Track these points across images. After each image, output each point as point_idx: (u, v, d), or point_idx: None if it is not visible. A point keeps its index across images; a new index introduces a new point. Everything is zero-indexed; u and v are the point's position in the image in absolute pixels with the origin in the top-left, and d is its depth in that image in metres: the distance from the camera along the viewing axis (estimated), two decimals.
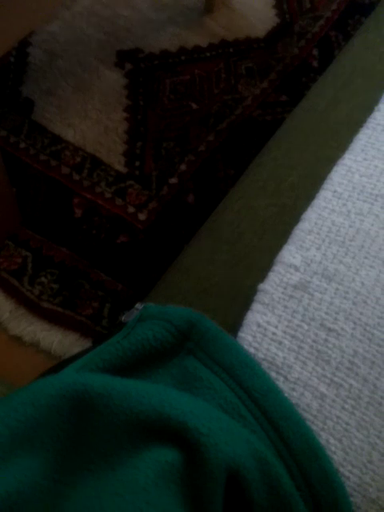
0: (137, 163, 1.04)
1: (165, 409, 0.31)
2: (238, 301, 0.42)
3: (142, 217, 0.99)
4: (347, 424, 0.36)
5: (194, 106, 1.13)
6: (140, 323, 0.41)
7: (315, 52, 1.24)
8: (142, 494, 0.28)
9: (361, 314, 0.38)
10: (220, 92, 1.16)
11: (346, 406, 0.36)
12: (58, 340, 0.87)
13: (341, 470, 0.35)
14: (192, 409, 0.32)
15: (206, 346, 0.38)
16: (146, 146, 1.07)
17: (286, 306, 0.39)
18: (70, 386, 0.32)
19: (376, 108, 0.49)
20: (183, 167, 1.04)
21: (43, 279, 0.92)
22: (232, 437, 0.32)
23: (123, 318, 0.44)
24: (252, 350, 0.38)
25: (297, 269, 0.41)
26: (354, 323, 0.38)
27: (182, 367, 0.38)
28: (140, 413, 0.31)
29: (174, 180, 1.03)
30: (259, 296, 0.40)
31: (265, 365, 0.37)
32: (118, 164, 1.04)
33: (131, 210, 1.00)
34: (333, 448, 0.35)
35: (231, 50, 1.22)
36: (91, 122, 1.09)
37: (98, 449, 0.31)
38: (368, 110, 0.51)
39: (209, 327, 0.39)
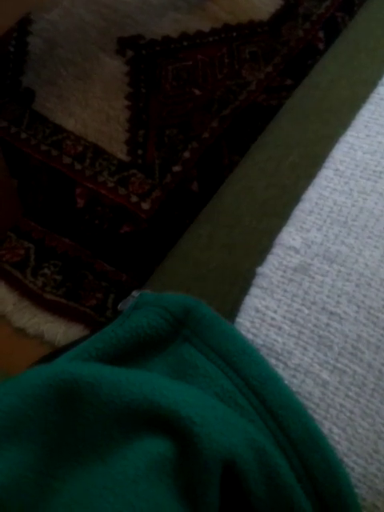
0: (139, 151, 1.03)
1: (156, 397, 0.30)
2: (236, 285, 0.40)
3: (145, 206, 0.97)
4: (351, 412, 0.34)
5: (197, 92, 1.11)
6: (135, 311, 0.40)
7: (321, 34, 1.21)
8: (132, 486, 0.27)
9: (364, 296, 0.37)
10: (223, 77, 1.14)
11: (350, 394, 0.34)
12: (62, 331, 0.86)
13: (345, 460, 0.33)
14: (185, 397, 0.30)
15: (202, 333, 0.36)
16: (149, 134, 1.05)
17: (285, 290, 0.38)
18: (57, 376, 0.31)
19: (379, 82, 0.47)
20: (187, 155, 1.03)
21: (46, 271, 0.91)
22: (228, 426, 0.30)
23: (119, 307, 0.43)
24: (250, 336, 0.36)
25: (297, 251, 0.39)
26: (358, 306, 0.36)
27: (178, 355, 0.36)
28: (130, 402, 0.30)
29: (177, 168, 1.01)
30: (258, 280, 0.38)
31: (264, 351, 0.36)
32: (121, 153, 1.02)
33: (134, 199, 0.98)
34: (336, 438, 0.33)
35: (234, 34, 1.19)
36: (92, 110, 1.07)
37: (87, 440, 0.30)
38: (372, 85, 0.48)
39: (205, 313, 0.37)
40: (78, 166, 1.01)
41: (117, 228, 0.95)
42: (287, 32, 1.21)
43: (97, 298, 0.90)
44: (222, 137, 1.05)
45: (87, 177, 1.00)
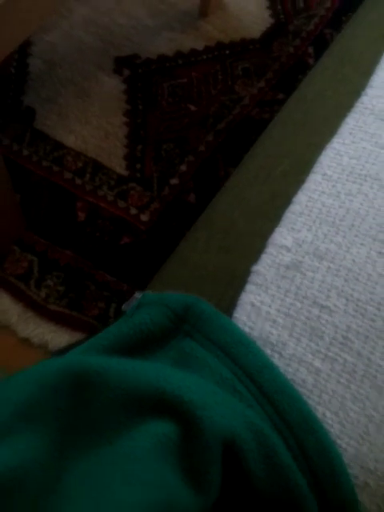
0: (138, 166, 1.06)
1: (160, 383, 0.32)
2: (233, 285, 0.43)
3: (144, 218, 1.00)
4: (343, 397, 0.36)
5: (193, 107, 1.15)
6: (138, 310, 0.42)
7: (310, 50, 1.25)
8: (139, 463, 0.29)
9: (353, 290, 0.39)
10: (217, 93, 1.17)
11: (341, 380, 0.37)
12: (65, 341, 0.88)
13: (338, 442, 0.35)
14: (188, 384, 0.33)
15: (201, 327, 0.39)
16: (147, 149, 1.08)
17: (279, 286, 0.40)
18: (68, 366, 0.33)
19: (363, 93, 0.50)
20: (183, 168, 1.06)
21: (49, 282, 0.94)
22: (227, 410, 0.32)
23: (123, 307, 0.46)
24: (247, 329, 0.39)
25: (288, 250, 0.41)
26: (347, 299, 0.39)
27: (179, 349, 0.39)
28: (136, 388, 0.32)
29: (174, 180, 1.04)
30: (253, 277, 0.41)
31: (260, 343, 0.38)
32: (119, 167, 1.05)
33: (133, 211, 1.01)
34: (329, 421, 0.36)
35: (227, 51, 1.24)
36: (92, 127, 1.10)
37: (97, 425, 0.32)
38: (356, 95, 0.51)
39: (204, 309, 0.40)
40: (78, 181, 1.04)
41: (117, 239, 0.98)
42: (278, 48, 1.25)
43: (99, 307, 0.92)
44: (217, 150, 1.08)
45: (87, 191, 1.03)
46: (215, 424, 0.31)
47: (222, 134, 1.11)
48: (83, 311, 0.92)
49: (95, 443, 0.31)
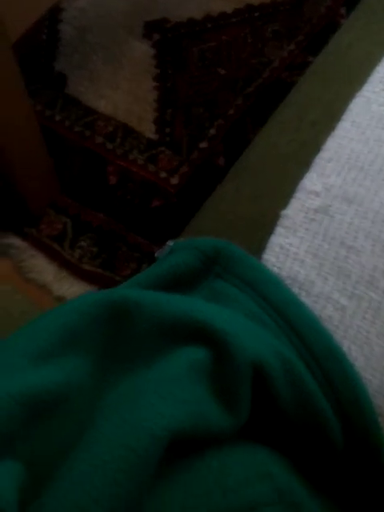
0: (167, 130, 1.07)
1: (194, 313, 0.34)
2: (262, 230, 0.44)
3: (173, 181, 1.02)
4: (368, 332, 0.38)
5: (222, 71, 1.15)
6: (170, 255, 0.44)
7: (343, 11, 1.22)
8: (175, 382, 0.31)
9: (380, 231, 0.40)
10: (247, 56, 1.17)
11: (367, 317, 0.38)
12: None
13: (362, 374, 0.37)
14: (219, 314, 0.35)
15: (231, 268, 0.41)
16: (176, 113, 1.09)
17: (307, 229, 0.41)
18: (107, 297, 0.35)
19: None
20: (213, 131, 1.06)
21: (83, 243, 0.97)
22: (257, 338, 0.34)
23: (156, 254, 0.48)
24: (275, 270, 0.40)
25: (318, 194, 0.42)
26: (374, 240, 0.40)
27: (210, 288, 0.40)
28: (171, 318, 0.34)
29: (204, 144, 1.05)
30: (282, 221, 0.42)
31: (288, 282, 0.40)
32: (149, 131, 1.07)
33: (163, 175, 1.02)
34: (354, 354, 0.37)
35: (257, 14, 1.22)
36: (122, 92, 1.12)
37: (135, 351, 0.34)
38: None
39: (234, 251, 0.41)
40: (109, 146, 1.06)
41: (147, 202, 1.00)
42: (309, 10, 1.23)
43: (131, 268, 0.95)
44: (247, 113, 1.08)
45: (118, 155, 1.05)
46: (245, 350, 0.33)
47: (252, 98, 1.10)
48: (115, 271, 0.95)
49: (134, 366, 0.34)
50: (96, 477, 0.27)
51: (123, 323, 0.35)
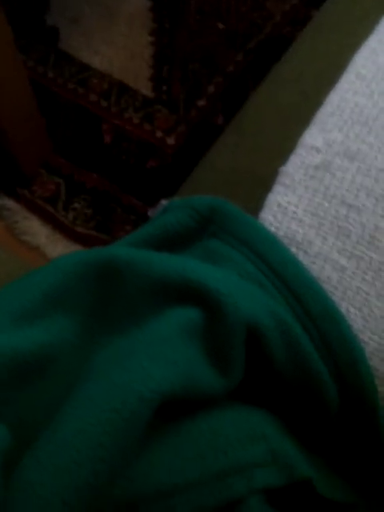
0: (164, 87, 1.03)
1: (187, 272, 0.33)
2: (260, 187, 0.42)
3: (170, 141, 0.99)
4: (367, 294, 0.36)
5: (221, 25, 1.10)
6: (164, 214, 0.42)
7: None
8: (167, 342, 0.30)
9: (383, 190, 0.38)
10: (247, 10, 1.12)
11: (367, 278, 0.37)
12: None
13: (360, 336, 0.36)
14: (213, 273, 0.33)
15: (227, 227, 0.39)
16: (173, 70, 1.05)
17: (306, 187, 0.40)
18: (96, 255, 0.34)
19: None
20: (211, 89, 1.03)
21: (76, 205, 0.94)
22: (252, 298, 0.33)
23: (150, 213, 0.46)
24: (273, 229, 0.39)
25: (318, 150, 0.40)
26: (376, 199, 0.38)
27: (205, 247, 0.39)
28: (163, 276, 0.33)
29: (202, 102, 1.02)
30: (280, 178, 0.40)
31: (285, 241, 0.38)
32: (145, 89, 1.03)
33: (159, 134, 0.99)
34: (352, 316, 0.36)
35: None
36: (117, 48, 1.07)
37: (125, 311, 0.33)
38: None
39: (230, 210, 0.40)
40: (104, 103, 1.02)
41: (143, 163, 0.97)
42: None
43: (126, 230, 0.93)
44: (247, 70, 1.04)
45: (113, 113, 1.01)
46: (239, 310, 0.31)
47: (252, 54, 1.06)
48: (110, 234, 0.93)
49: (124, 327, 0.33)
50: (80, 439, 0.26)
51: (112, 282, 0.33)
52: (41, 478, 0.25)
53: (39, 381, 0.30)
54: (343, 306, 0.36)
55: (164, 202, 0.45)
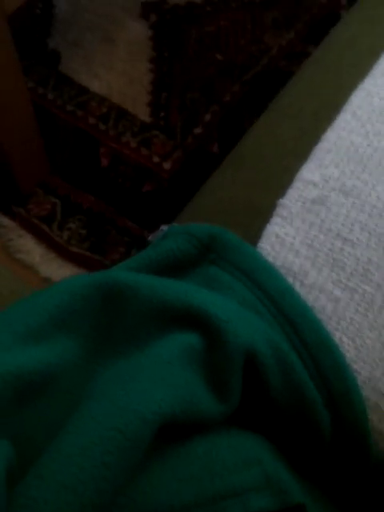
0: (162, 114, 1.06)
1: (188, 298, 0.34)
2: (258, 218, 0.44)
3: (166, 166, 1.01)
4: (360, 325, 0.38)
5: (219, 57, 1.13)
6: (164, 239, 0.44)
7: (344, 1, 1.22)
8: (167, 366, 0.31)
9: (376, 225, 0.40)
10: (246, 43, 1.16)
11: (360, 309, 0.38)
12: None
13: (353, 365, 0.37)
14: (213, 300, 0.34)
15: (226, 255, 0.40)
16: (171, 97, 1.08)
17: (303, 219, 0.41)
18: (101, 279, 0.35)
19: None
20: (208, 117, 1.05)
21: (72, 225, 0.96)
22: (250, 326, 0.34)
23: (150, 238, 0.47)
24: (270, 259, 0.40)
25: (315, 185, 0.42)
26: (370, 233, 0.40)
27: (204, 275, 0.40)
28: (165, 301, 0.34)
29: (198, 130, 1.04)
30: (278, 210, 0.42)
31: (282, 271, 0.39)
32: (144, 114, 1.05)
33: (156, 159, 1.02)
34: (345, 346, 0.37)
35: (257, 0, 1.21)
36: (117, 73, 1.10)
37: (128, 334, 0.34)
38: None
39: (230, 239, 0.41)
40: (102, 127, 1.04)
41: (139, 186, 0.99)
42: None
43: (120, 252, 0.94)
44: (243, 100, 1.08)
45: (111, 137, 1.03)
46: (238, 337, 0.32)
47: (249, 85, 1.10)
48: (104, 255, 0.94)
49: (126, 350, 0.33)
50: (84, 458, 0.26)
51: (116, 306, 0.34)
52: (45, 495, 0.25)
53: (42, 399, 0.31)
54: (337, 336, 0.37)
55: (164, 228, 0.46)
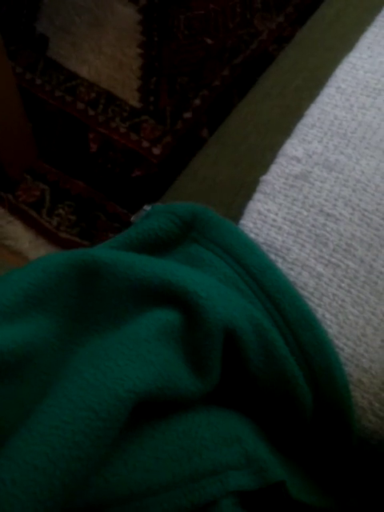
0: (151, 98, 1.05)
1: (167, 275, 0.33)
2: (240, 195, 0.43)
3: (156, 151, 1.00)
4: (343, 301, 0.37)
5: (209, 41, 1.12)
6: (147, 219, 0.43)
7: None
8: (144, 343, 0.30)
9: (360, 200, 0.39)
10: (235, 27, 1.14)
11: (343, 285, 0.37)
12: None
13: (335, 342, 0.36)
14: (193, 277, 0.34)
15: (207, 233, 0.40)
16: (161, 82, 1.07)
17: (286, 195, 0.40)
18: (77, 257, 0.34)
19: None
20: (197, 102, 1.04)
21: (61, 211, 0.95)
22: (230, 302, 0.33)
23: (132, 219, 0.46)
24: (252, 235, 0.39)
25: (299, 160, 0.41)
26: (353, 209, 0.39)
27: (185, 253, 0.39)
28: (143, 279, 0.33)
29: (188, 114, 1.03)
30: (261, 186, 0.41)
31: (264, 248, 0.39)
32: (133, 99, 1.04)
33: (146, 144, 1.00)
34: (328, 322, 0.37)
35: None
36: (106, 58, 1.08)
37: (105, 312, 0.33)
38: (377, 11, 0.50)
39: (211, 216, 0.40)
40: (91, 112, 1.03)
41: (129, 172, 0.98)
42: None
43: (109, 237, 0.93)
44: (233, 85, 1.06)
45: (100, 122, 1.02)
46: (217, 313, 0.32)
47: (238, 69, 1.08)
48: (94, 240, 0.93)
49: (103, 328, 0.33)
50: (55, 438, 0.26)
51: (93, 284, 0.34)
52: (13, 476, 0.25)
53: (17, 379, 0.30)
54: (319, 313, 0.37)
55: (147, 208, 0.46)
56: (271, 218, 0.40)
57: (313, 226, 0.39)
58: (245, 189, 0.43)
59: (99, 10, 1.13)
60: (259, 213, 0.40)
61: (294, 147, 0.42)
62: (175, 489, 0.29)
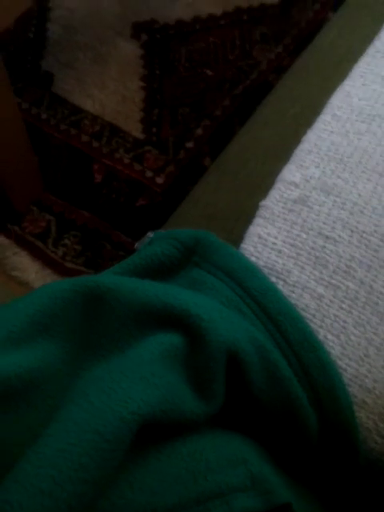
0: (154, 129, 1.07)
1: (169, 299, 0.34)
2: (241, 220, 0.44)
3: (159, 180, 1.02)
4: (345, 322, 0.37)
5: (209, 72, 1.15)
6: (150, 245, 0.44)
7: (330, 15, 1.24)
8: (147, 366, 0.31)
9: (358, 222, 0.40)
10: (235, 58, 1.17)
11: (344, 306, 0.38)
12: None
13: (338, 363, 0.37)
14: (195, 300, 0.34)
15: (209, 257, 0.40)
16: (163, 113, 1.09)
17: (285, 219, 0.41)
18: (82, 283, 0.35)
19: (376, 37, 0.50)
20: (199, 132, 1.07)
21: (67, 241, 0.96)
22: (232, 325, 0.34)
23: (136, 245, 0.47)
24: (253, 259, 0.40)
25: (297, 185, 0.42)
26: (351, 231, 0.40)
27: (188, 277, 0.40)
28: (146, 303, 0.34)
29: (190, 144, 1.05)
30: (260, 211, 0.42)
31: (265, 271, 0.39)
32: (136, 131, 1.07)
33: (149, 174, 1.02)
34: (330, 343, 0.37)
35: (245, 16, 1.23)
36: (109, 91, 1.12)
37: (109, 337, 0.34)
38: (370, 41, 0.52)
39: (213, 241, 0.41)
40: (95, 144, 1.05)
41: (133, 201, 1.00)
42: (297, 14, 1.24)
43: None
44: (234, 114, 1.09)
45: (104, 154, 1.04)
46: (220, 336, 0.32)
47: (239, 99, 1.11)
48: (99, 269, 0.94)
49: (108, 352, 0.33)
50: (61, 460, 0.26)
51: (98, 309, 0.34)
52: (20, 499, 0.25)
53: (24, 403, 0.31)
54: (321, 334, 0.37)
55: (150, 234, 0.47)
56: (271, 241, 0.41)
57: (312, 248, 0.40)
58: (245, 214, 0.44)
59: (102, 47, 1.17)
60: (259, 237, 0.41)
61: (291, 173, 0.43)
62: (181, 511, 0.29)
